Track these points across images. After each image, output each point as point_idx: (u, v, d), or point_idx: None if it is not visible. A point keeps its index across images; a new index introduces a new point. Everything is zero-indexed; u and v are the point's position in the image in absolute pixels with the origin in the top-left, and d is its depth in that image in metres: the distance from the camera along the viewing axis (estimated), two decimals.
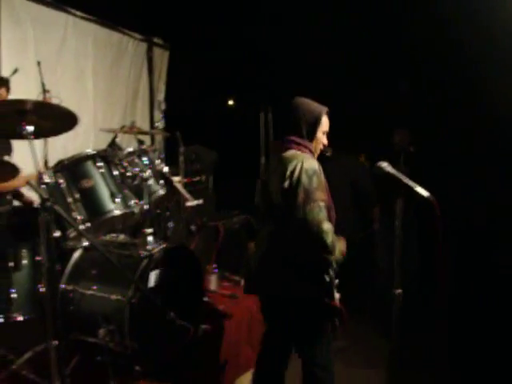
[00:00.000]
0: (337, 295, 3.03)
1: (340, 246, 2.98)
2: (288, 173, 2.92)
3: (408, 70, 6.42)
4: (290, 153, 3.01)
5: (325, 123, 3.12)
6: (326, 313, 3.02)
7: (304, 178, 2.87)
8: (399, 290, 2.67)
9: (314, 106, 3.11)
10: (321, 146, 3.15)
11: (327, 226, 2.85)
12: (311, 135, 3.06)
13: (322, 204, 2.86)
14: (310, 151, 3.06)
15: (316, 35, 6.57)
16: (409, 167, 5.02)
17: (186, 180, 5.09)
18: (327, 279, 2.98)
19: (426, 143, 5.87)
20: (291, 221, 2.93)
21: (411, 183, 2.68)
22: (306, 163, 2.91)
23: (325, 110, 3.11)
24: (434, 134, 6.10)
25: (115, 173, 3.52)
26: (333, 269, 3.00)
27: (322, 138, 3.13)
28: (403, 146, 5.71)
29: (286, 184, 2.92)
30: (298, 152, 3.01)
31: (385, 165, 2.73)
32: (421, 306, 4.80)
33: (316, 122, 3.06)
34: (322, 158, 3.19)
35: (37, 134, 3.11)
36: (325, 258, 2.91)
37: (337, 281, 3.06)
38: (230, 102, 7.47)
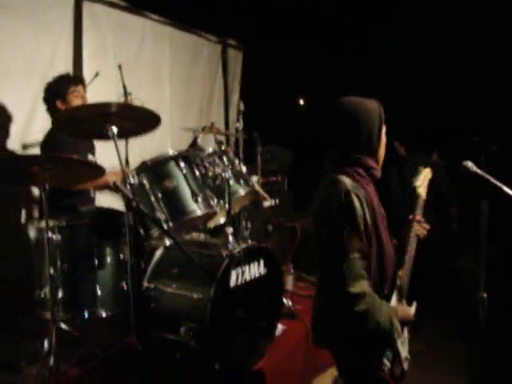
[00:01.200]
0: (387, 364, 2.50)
1: (391, 311, 2.42)
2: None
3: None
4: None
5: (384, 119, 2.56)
6: None
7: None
8: (484, 294, 2.59)
9: (370, 105, 2.51)
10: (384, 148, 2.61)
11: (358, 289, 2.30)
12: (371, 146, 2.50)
13: (356, 256, 2.31)
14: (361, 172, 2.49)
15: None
16: (489, 167, 4.89)
17: (262, 180, 5.11)
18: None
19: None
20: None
21: (499, 184, 2.61)
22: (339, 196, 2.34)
23: (380, 105, 2.55)
24: None
25: (197, 173, 3.56)
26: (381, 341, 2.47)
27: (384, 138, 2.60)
28: (484, 144, 5.56)
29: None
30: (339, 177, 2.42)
31: (470, 165, 2.66)
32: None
33: (379, 127, 2.51)
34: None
35: (120, 135, 3.20)
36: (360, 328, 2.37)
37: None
38: (301, 102, 7.43)
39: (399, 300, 2.59)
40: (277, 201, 5.58)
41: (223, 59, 6.97)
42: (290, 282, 4.81)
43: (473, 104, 6.60)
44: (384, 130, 2.55)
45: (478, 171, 2.67)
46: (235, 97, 7.13)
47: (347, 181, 2.38)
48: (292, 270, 4.87)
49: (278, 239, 5.34)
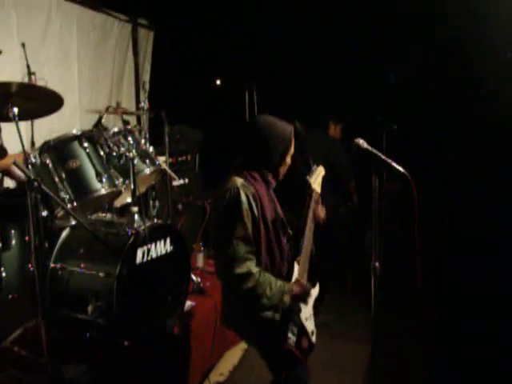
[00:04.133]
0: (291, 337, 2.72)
1: (283, 287, 2.71)
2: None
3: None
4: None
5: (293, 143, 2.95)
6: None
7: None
8: (377, 264, 2.75)
9: (282, 128, 2.87)
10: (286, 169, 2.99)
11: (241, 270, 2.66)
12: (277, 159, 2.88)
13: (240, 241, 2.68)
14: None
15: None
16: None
17: (171, 159, 5.15)
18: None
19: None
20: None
21: (388, 160, 2.76)
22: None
23: (292, 128, 2.93)
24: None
25: (101, 153, 3.56)
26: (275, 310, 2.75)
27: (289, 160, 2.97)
28: (386, 122, 5.77)
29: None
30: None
31: (362, 141, 2.80)
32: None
33: (285, 149, 2.89)
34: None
35: (22, 116, 3.18)
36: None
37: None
38: (217, 82, 7.48)
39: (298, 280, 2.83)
40: (186, 180, 5.63)
41: (133, 39, 6.89)
42: (200, 260, 4.88)
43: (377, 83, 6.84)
44: (291, 151, 2.92)
45: (369, 148, 2.80)
46: (146, 77, 7.07)
47: (240, 180, 2.78)
48: (202, 248, 4.93)
49: (189, 218, 5.39)
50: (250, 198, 2.73)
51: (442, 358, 4.14)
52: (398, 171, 2.74)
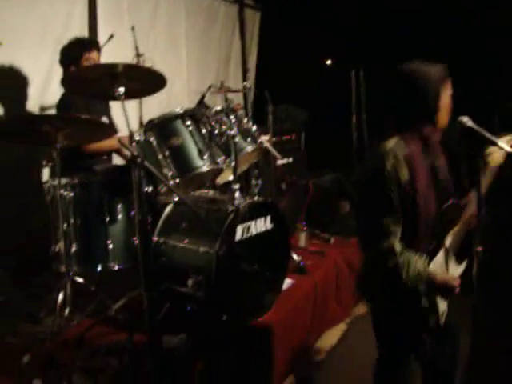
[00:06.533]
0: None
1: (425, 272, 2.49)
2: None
3: None
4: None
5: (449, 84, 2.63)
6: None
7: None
8: (480, 248, 2.59)
9: (426, 70, 2.57)
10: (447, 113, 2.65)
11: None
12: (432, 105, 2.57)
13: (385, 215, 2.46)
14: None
15: None
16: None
17: (275, 138, 5.16)
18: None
19: None
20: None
21: (494, 138, 2.60)
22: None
23: (444, 68, 2.60)
24: None
25: (203, 131, 3.64)
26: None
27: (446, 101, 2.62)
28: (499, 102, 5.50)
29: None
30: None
31: (466, 119, 2.64)
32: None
33: (436, 92, 2.55)
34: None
35: (128, 96, 3.29)
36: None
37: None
38: (328, 62, 7.40)
39: (446, 260, 2.65)
40: (290, 159, 5.64)
41: (240, 20, 6.97)
42: (302, 239, 4.87)
43: None
44: (447, 93, 2.60)
45: (472, 125, 2.66)
46: (253, 58, 7.13)
47: (392, 142, 2.52)
48: (305, 227, 4.93)
49: (292, 197, 5.40)
50: (400, 162, 2.47)
51: None
52: (507, 151, 2.58)
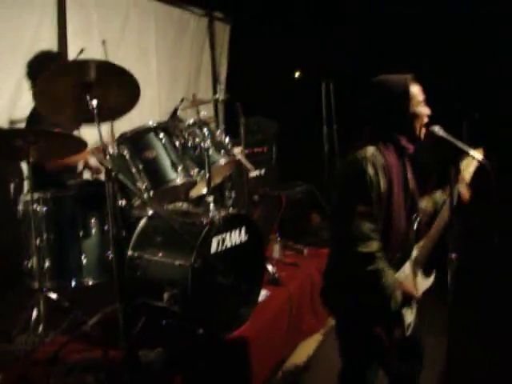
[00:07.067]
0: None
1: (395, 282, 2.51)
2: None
3: None
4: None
5: (418, 91, 2.61)
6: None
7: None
8: (454, 255, 2.61)
9: (393, 81, 2.60)
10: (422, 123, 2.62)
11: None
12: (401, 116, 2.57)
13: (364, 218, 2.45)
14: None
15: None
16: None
17: (247, 151, 5.17)
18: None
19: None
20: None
21: (466, 147, 2.63)
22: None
23: (409, 77, 2.60)
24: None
25: (176, 143, 3.64)
26: None
27: (421, 111, 2.60)
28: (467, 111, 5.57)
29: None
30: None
31: (437, 128, 2.67)
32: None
33: (404, 102, 2.55)
34: None
35: (102, 113, 3.21)
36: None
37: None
38: (296, 74, 7.45)
39: (414, 272, 2.67)
40: (262, 171, 5.66)
41: (210, 32, 6.99)
42: (276, 250, 4.89)
43: None
44: (417, 100, 2.58)
45: (443, 134, 2.69)
46: (223, 69, 7.16)
47: (371, 149, 2.52)
48: (278, 239, 4.95)
49: (265, 209, 5.41)
50: (379, 169, 2.48)
51: None
52: (478, 160, 2.61)
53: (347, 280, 2.59)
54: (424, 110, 2.61)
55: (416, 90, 2.60)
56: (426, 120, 2.61)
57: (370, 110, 2.68)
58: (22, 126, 4.41)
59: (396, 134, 2.60)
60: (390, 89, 2.58)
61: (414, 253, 2.68)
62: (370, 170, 2.46)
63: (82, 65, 3.09)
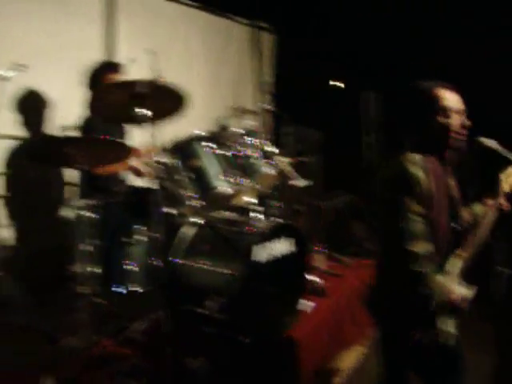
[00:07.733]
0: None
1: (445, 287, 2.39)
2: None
3: None
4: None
5: (449, 100, 2.51)
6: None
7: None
8: (503, 268, 2.51)
9: (419, 90, 2.55)
10: (455, 134, 2.52)
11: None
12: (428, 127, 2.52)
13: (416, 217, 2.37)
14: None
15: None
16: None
17: (293, 160, 5.16)
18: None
19: None
20: None
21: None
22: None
23: (435, 85, 2.53)
24: None
25: (224, 152, 3.67)
26: None
27: (452, 122, 2.51)
28: None
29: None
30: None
31: (484, 139, 2.60)
32: None
33: (429, 112, 2.49)
34: None
35: (152, 118, 3.29)
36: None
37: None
38: (338, 84, 7.42)
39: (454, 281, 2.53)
40: (308, 181, 5.64)
41: (255, 42, 7.02)
42: (320, 261, 4.88)
43: None
44: (449, 110, 2.50)
45: (492, 145, 2.64)
46: (267, 79, 7.17)
47: (414, 155, 2.47)
48: (323, 249, 4.93)
49: (310, 219, 5.40)
50: (426, 173, 2.43)
51: None
52: None
53: (395, 282, 2.50)
54: (456, 121, 2.51)
55: (448, 99, 2.51)
56: (462, 131, 2.51)
57: (401, 120, 2.65)
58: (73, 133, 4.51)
59: (427, 142, 2.54)
60: (414, 99, 2.56)
61: (453, 262, 2.56)
62: (419, 173, 2.41)
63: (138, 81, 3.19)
